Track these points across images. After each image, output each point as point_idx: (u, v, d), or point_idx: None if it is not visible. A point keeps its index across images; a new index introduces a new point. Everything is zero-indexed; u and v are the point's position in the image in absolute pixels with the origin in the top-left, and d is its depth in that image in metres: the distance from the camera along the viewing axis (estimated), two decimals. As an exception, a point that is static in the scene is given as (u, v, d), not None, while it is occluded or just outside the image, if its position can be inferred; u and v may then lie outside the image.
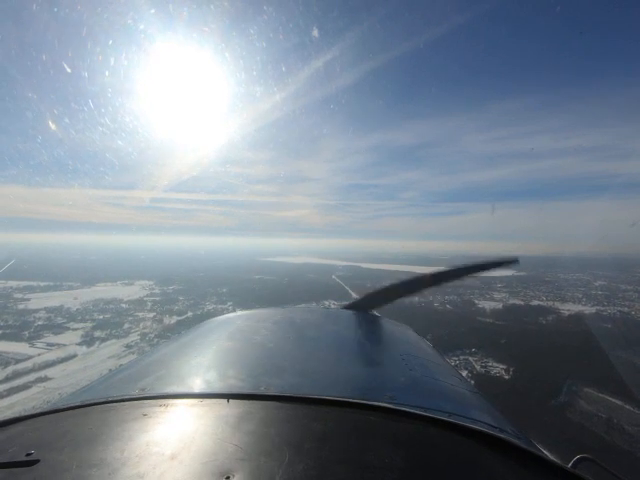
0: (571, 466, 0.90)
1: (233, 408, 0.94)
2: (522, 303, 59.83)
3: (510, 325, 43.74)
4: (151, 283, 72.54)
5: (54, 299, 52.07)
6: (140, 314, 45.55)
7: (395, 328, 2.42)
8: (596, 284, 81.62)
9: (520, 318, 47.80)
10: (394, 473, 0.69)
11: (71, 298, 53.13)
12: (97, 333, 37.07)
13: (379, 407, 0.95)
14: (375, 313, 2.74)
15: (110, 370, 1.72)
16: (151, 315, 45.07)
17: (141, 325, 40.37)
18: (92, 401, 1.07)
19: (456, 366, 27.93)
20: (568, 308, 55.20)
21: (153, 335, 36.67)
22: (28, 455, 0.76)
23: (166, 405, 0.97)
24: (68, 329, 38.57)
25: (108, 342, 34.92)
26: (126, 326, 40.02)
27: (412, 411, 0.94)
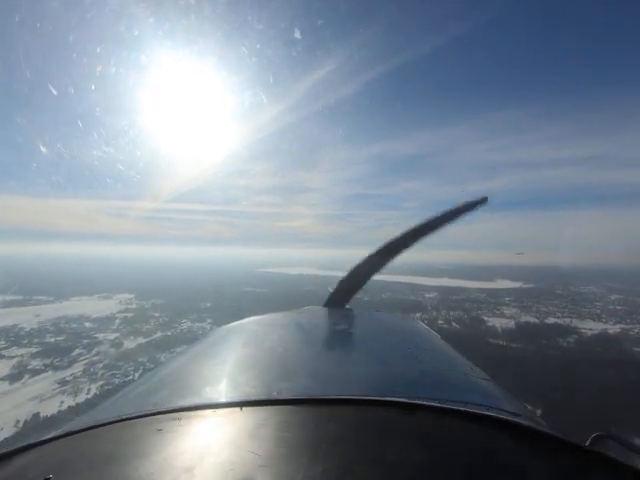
0: (589, 444, 0.88)
1: (247, 416, 0.93)
2: (537, 321, 53.75)
3: (527, 349, 37.72)
4: (131, 297, 67.07)
5: (12, 316, 46.60)
6: (101, 335, 39.87)
7: (403, 323, 2.46)
8: (612, 298, 76.03)
9: (537, 340, 41.78)
10: (414, 468, 0.68)
11: (32, 315, 47.64)
12: (34, 362, 31.16)
13: (394, 402, 0.94)
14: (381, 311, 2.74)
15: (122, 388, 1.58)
16: (113, 337, 39.38)
17: (94, 351, 34.58)
18: (106, 420, 1.05)
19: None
20: (589, 327, 49.30)
21: (102, 365, 30.87)
22: (46, 479, 0.75)
23: (180, 418, 0.96)
24: (3, 357, 32.81)
25: (40, 376, 28.99)
26: (76, 352, 34.20)
27: (427, 403, 0.93)
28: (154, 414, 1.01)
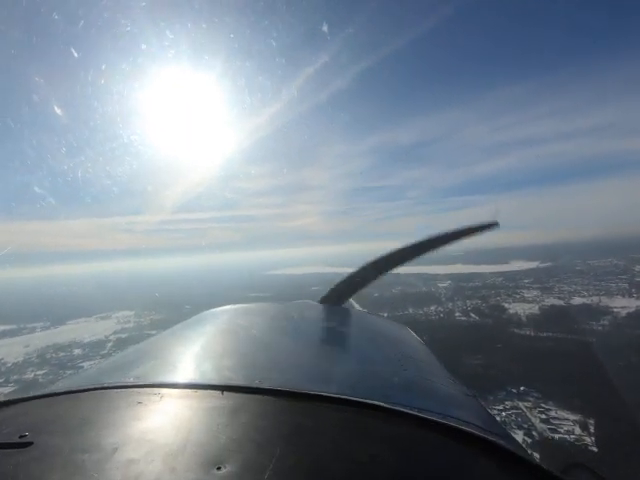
0: (562, 472, 0.91)
1: (227, 400, 0.96)
2: (562, 303, 49.15)
3: (559, 338, 33.38)
4: (131, 314, 64.36)
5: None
6: (87, 364, 36.62)
7: (391, 327, 2.43)
8: (637, 269, 70.89)
9: (568, 325, 37.30)
10: (384, 470, 0.70)
11: (22, 346, 44.90)
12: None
13: (372, 405, 0.96)
14: (376, 313, 2.99)
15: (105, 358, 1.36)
16: (100, 364, 36.24)
17: (75, 384, 31.37)
18: (87, 386, 1.09)
19: (503, 422, 18.48)
20: (621, 304, 44.56)
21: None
22: (22, 437, 0.77)
23: (161, 394, 0.99)
24: (-29, 402, 29.53)
25: None
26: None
27: (404, 410, 0.95)
28: (136, 386, 1.05)
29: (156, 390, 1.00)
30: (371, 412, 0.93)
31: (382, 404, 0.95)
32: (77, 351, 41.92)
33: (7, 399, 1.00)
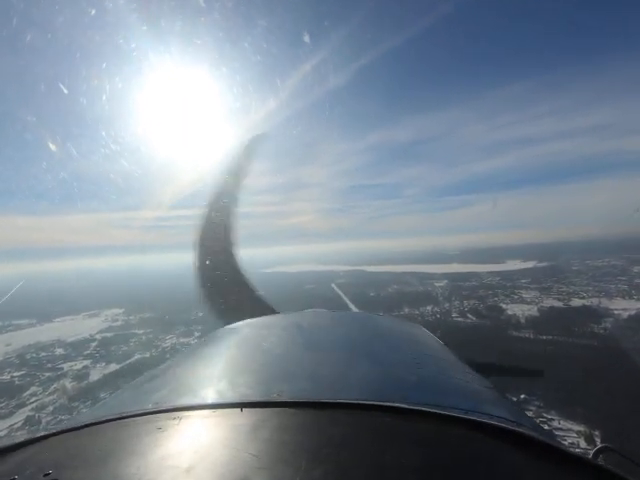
0: (592, 457, 0.91)
1: (247, 417, 0.95)
2: (561, 304, 48.04)
3: (560, 341, 32.28)
4: (120, 312, 62.55)
5: (-21, 349, 42.04)
6: (68, 365, 35.25)
7: (405, 327, 2.42)
8: (636, 270, 70.05)
9: (568, 327, 36.21)
10: (413, 474, 0.69)
11: (3, 344, 43.21)
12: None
13: (394, 408, 0.95)
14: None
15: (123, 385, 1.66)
16: (81, 366, 34.75)
17: (52, 387, 29.80)
18: (106, 417, 1.08)
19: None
20: (622, 306, 43.52)
21: (52, 409, 25.94)
22: (46, 475, 0.76)
23: (180, 418, 0.98)
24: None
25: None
26: (30, 391, 29.30)
27: (428, 410, 0.94)
28: (154, 412, 1.03)
29: (175, 414, 0.98)
30: (395, 415, 0.90)
31: (405, 406, 0.92)
32: (59, 351, 40.25)
33: (28, 438, 0.97)
